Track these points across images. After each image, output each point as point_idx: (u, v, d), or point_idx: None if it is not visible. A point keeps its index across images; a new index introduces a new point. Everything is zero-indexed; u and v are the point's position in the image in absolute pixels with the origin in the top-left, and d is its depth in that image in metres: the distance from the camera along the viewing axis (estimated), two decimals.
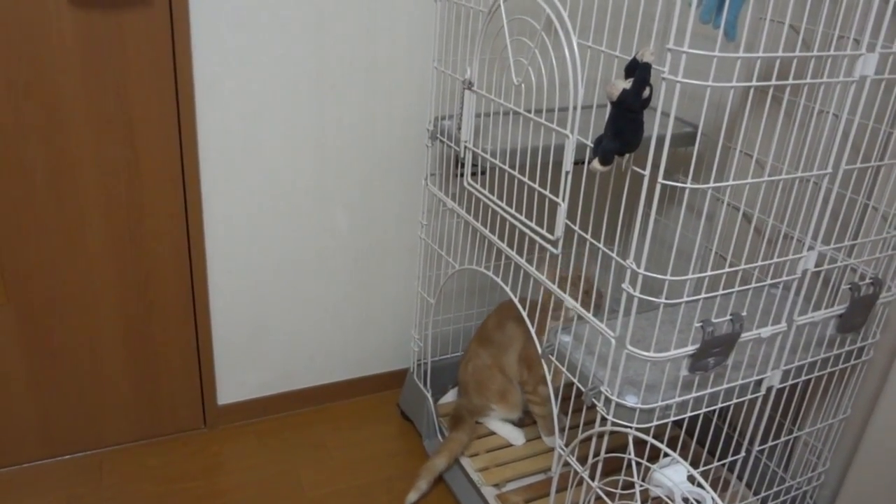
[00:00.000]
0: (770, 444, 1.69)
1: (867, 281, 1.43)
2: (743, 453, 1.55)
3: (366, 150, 1.92)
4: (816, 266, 1.33)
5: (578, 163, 1.34)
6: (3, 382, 1.78)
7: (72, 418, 1.90)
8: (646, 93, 1.07)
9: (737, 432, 1.84)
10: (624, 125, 1.09)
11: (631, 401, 1.25)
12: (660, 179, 1.09)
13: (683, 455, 1.80)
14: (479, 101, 1.57)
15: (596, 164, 1.14)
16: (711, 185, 1.13)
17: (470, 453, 1.92)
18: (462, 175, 1.64)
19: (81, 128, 1.62)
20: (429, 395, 1.99)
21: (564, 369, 1.38)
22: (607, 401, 1.27)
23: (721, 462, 1.48)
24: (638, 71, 1.06)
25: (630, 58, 1.12)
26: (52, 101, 1.57)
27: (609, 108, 1.13)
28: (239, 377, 2.07)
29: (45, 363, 1.81)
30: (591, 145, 1.18)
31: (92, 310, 1.80)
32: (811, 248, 1.30)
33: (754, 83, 1.09)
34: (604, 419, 1.28)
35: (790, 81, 1.13)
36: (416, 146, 1.97)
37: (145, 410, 1.98)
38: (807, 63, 1.20)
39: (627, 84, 1.06)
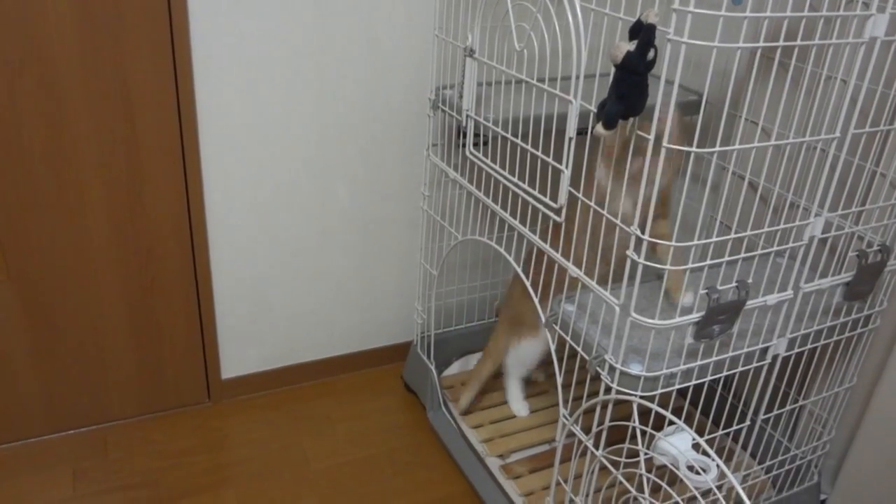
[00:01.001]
0: (775, 413, 1.69)
1: (875, 248, 1.42)
2: (748, 423, 1.55)
3: (367, 121, 1.90)
4: (823, 233, 1.31)
5: (582, 132, 1.32)
6: (6, 359, 1.78)
7: (76, 393, 1.90)
8: (650, 55, 1.05)
9: (742, 402, 1.84)
10: (628, 88, 1.07)
11: (635, 369, 1.25)
12: (665, 143, 1.08)
13: (688, 425, 1.79)
14: (480, 69, 1.54)
15: (600, 128, 1.12)
16: (717, 149, 1.11)
17: (474, 424, 1.92)
18: (464, 145, 1.62)
19: (79, 104, 1.60)
20: (432, 368, 1.99)
21: (569, 338, 1.37)
22: (611, 369, 1.26)
23: (726, 431, 1.48)
24: (642, 32, 1.03)
25: (634, 20, 1.10)
26: (49, 78, 1.55)
27: (613, 71, 1.11)
28: (242, 351, 2.06)
29: (48, 339, 1.81)
30: (595, 110, 1.16)
31: (94, 285, 1.79)
32: (818, 214, 1.28)
33: (761, 44, 1.07)
34: (608, 388, 1.27)
35: (798, 42, 1.11)
36: (417, 116, 1.95)
37: (149, 385, 1.98)
38: (815, 26, 1.17)
39: (631, 46, 1.04)
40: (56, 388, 1.87)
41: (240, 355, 2.07)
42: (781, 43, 1.08)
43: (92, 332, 1.85)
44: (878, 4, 1.15)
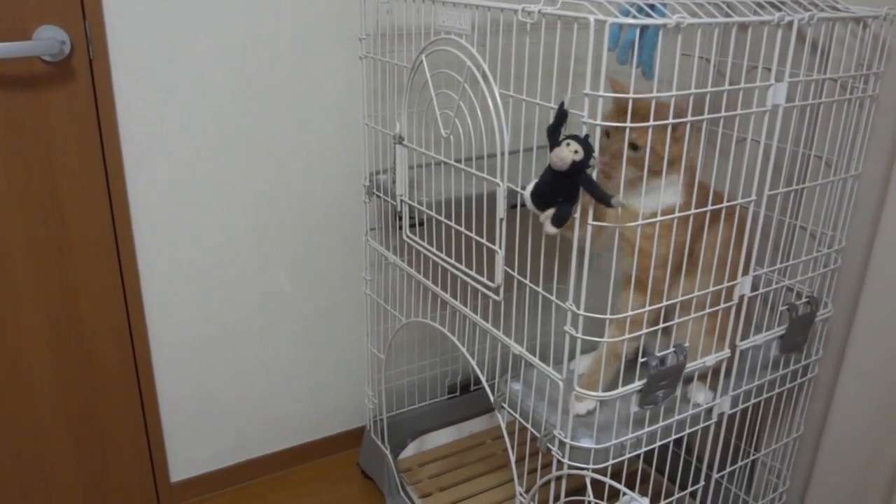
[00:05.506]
0: (730, 469, 1.70)
1: (803, 300, 1.46)
2: (703, 482, 1.55)
3: (304, 209, 1.91)
4: (752, 291, 1.35)
5: (514, 207, 1.35)
6: None
7: None
8: (592, 161, 1.10)
9: (697, 458, 1.85)
10: (575, 188, 1.11)
11: (585, 442, 1.25)
12: (589, 221, 1.11)
13: (645, 486, 1.79)
14: (411, 154, 1.58)
15: (549, 227, 1.14)
16: (640, 222, 1.14)
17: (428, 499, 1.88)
18: (401, 227, 1.64)
19: (8, 212, 1.58)
20: (387, 452, 1.96)
21: (518, 416, 1.37)
22: (562, 444, 1.26)
23: (684, 492, 1.48)
24: (584, 143, 1.07)
25: (545, 103, 1.14)
26: None
27: (551, 172, 1.13)
28: (191, 451, 2.00)
29: None
30: (524, 193, 1.18)
31: (31, 396, 1.73)
32: (744, 273, 1.33)
33: (671, 121, 1.12)
34: (560, 463, 1.27)
35: (707, 116, 1.17)
36: (354, 202, 1.97)
37: (94, 496, 1.90)
38: (722, 95, 1.24)
39: (572, 152, 1.07)
40: None
41: (188, 456, 2.01)
42: (690, 118, 1.13)
43: (30, 444, 1.77)
44: (776, 71, 1.21)
